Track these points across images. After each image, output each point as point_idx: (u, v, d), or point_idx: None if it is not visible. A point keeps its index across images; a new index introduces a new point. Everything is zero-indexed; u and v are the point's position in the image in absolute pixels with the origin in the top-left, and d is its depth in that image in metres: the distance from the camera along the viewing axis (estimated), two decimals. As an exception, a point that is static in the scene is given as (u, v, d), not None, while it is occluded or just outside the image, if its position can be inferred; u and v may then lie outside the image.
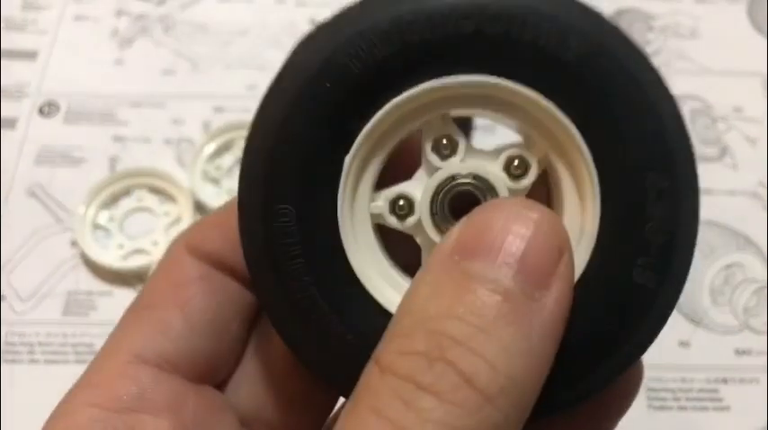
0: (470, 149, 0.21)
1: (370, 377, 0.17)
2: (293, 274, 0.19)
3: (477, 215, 0.18)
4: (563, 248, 0.17)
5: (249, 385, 0.23)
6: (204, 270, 0.22)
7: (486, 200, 0.20)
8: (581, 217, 0.19)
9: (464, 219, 0.18)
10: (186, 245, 0.23)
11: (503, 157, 0.20)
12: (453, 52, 0.19)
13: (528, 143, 0.20)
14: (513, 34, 0.18)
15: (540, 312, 0.16)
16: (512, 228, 0.17)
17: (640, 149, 0.18)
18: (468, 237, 0.17)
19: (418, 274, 0.18)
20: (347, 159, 0.19)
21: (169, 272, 0.23)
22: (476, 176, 0.20)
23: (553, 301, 0.17)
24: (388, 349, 0.17)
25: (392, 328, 0.17)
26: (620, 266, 0.18)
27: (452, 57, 0.19)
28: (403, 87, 0.19)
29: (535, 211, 0.17)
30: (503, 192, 0.20)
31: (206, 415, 0.21)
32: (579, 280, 0.18)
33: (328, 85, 0.19)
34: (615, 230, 0.18)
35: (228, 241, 0.23)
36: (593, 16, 0.18)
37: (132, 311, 0.22)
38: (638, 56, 0.18)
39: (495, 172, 0.20)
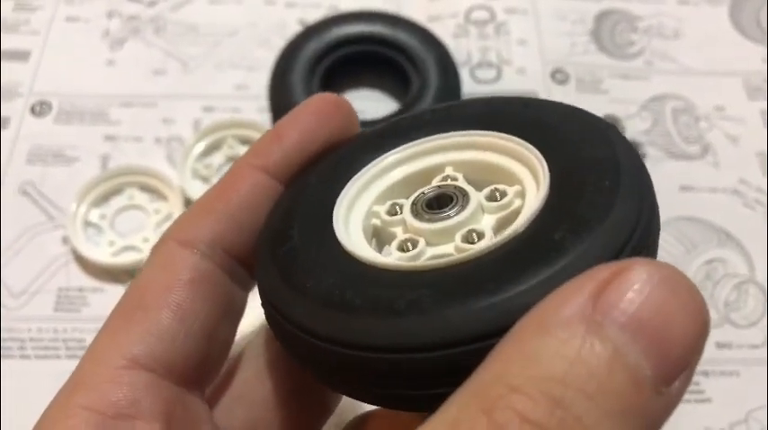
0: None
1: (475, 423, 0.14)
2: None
3: (625, 271, 0.15)
4: (705, 333, 0.15)
5: (243, 408, 0.24)
6: (196, 268, 0.22)
7: (459, 200, 0.22)
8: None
9: (605, 268, 0.15)
10: (177, 239, 0.23)
11: (487, 190, 0.22)
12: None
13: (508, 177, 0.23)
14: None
15: (655, 408, 0.14)
16: (668, 304, 0.14)
17: (589, 161, 0.20)
18: (614, 296, 0.15)
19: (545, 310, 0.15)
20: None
21: (161, 271, 0.22)
22: (456, 187, 0.22)
23: (675, 395, 0.15)
24: (496, 403, 0.14)
25: (500, 376, 0.15)
26: (549, 226, 0.19)
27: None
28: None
29: (692, 287, 0.15)
30: (474, 197, 0.22)
31: (190, 424, 0.22)
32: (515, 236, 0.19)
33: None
34: (555, 204, 0.20)
35: (221, 224, 0.23)
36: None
37: (122, 312, 0.22)
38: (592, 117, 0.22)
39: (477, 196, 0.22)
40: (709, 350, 0.44)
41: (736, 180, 0.50)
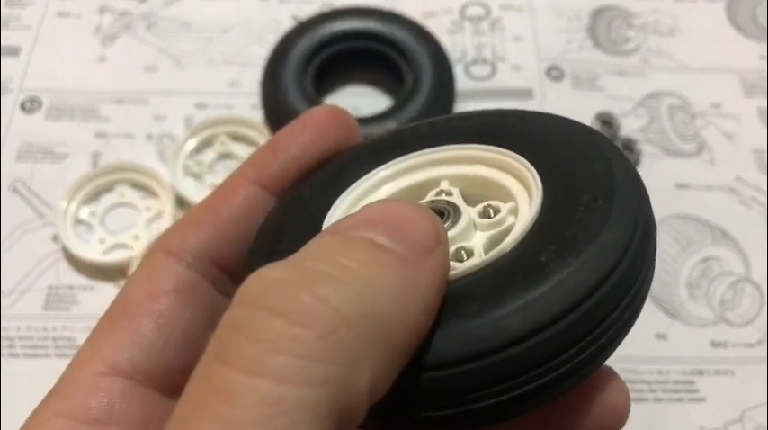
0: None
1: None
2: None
3: (377, 203, 0.19)
4: (440, 236, 0.18)
5: None
6: (180, 278, 0.23)
7: (450, 217, 0.22)
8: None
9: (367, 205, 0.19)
10: (164, 249, 0.23)
11: (480, 206, 0.22)
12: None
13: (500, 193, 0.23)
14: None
15: (414, 271, 0.17)
16: (400, 213, 0.18)
17: (584, 179, 0.20)
18: (367, 216, 0.18)
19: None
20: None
21: (145, 281, 0.23)
22: (448, 203, 0.22)
23: (428, 269, 0.17)
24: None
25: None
26: (537, 247, 0.19)
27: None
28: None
29: (417, 206, 0.19)
30: (466, 214, 0.22)
31: None
32: (504, 255, 0.19)
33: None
34: (545, 226, 0.20)
35: (209, 235, 0.23)
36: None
37: (107, 320, 0.22)
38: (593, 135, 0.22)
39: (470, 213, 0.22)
40: (704, 349, 0.44)
41: (732, 178, 0.50)
